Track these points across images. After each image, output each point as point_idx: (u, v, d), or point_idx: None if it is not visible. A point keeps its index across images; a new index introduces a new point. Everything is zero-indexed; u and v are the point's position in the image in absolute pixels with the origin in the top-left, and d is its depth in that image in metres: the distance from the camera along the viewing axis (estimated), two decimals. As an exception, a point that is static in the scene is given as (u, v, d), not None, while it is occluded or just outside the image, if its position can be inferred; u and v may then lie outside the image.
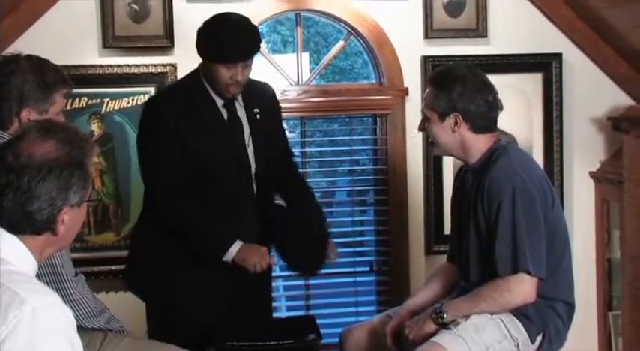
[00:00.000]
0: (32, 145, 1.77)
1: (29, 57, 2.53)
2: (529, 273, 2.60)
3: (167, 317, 3.06)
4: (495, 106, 2.79)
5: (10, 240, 1.76)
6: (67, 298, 2.37)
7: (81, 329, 1.72)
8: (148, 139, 3.01)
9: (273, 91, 3.24)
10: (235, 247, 2.91)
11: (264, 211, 3.10)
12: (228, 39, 2.90)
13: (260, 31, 3.13)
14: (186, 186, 2.95)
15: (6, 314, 1.59)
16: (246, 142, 3.06)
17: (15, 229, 1.76)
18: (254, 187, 3.08)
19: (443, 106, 2.73)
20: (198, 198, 2.96)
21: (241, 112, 3.06)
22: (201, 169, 2.97)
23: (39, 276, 1.83)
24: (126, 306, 3.23)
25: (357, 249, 4.18)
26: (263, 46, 4.00)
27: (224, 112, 3.02)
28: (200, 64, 3.01)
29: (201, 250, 2.96)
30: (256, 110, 3.09)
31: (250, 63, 2.97)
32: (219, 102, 3.01)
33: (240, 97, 3.05)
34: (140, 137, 3.06)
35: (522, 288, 2.61)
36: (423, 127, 2.85)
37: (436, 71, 3.00)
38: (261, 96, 3.15)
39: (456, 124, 2.73)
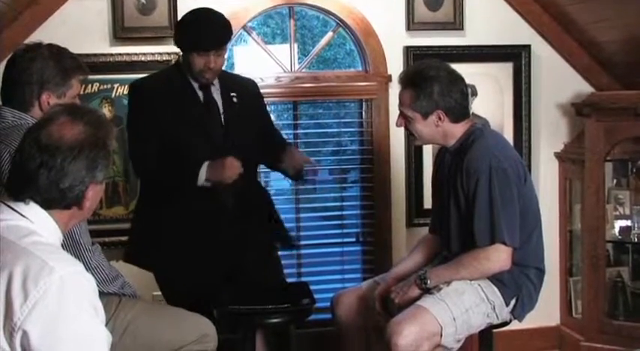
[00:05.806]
0: (62, 128, 1.75)
1: (49, 45, 2.51)
2: (505, 243, 2.61)
3: (174, 285, 3.05)
4: (468, 94, 2.77)
5: (40, 214, 1.76)
6: (85, 266, 2.33)
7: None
8: (131, 116, 3.05)
9: (254, 83, 3.27)
10: (204, 168, 2.87)
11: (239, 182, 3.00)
12: (201, 29, 2.90)
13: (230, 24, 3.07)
14: (156, 155, 2.94)
15: (36, 281, 1.59)
16: (222, 121, 3.03)
17: (48, 204, 1.75)
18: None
19: (425, 106, 2.69)
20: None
21: (217, 96, 3.04)
22: (177, 143, 2.94)
23: (61, 246, 1.82)
24: (134, 273, 3.21)
25: (344, 222, 4.17)
26: (258, 37, 3.99)
27: (200, 94, 3.01)
28: (178, 57, 3.03)
29: (180, 187, 2.95)
30: (233, 94, 3.06)
31: (223, 52, 2.96)
32: (196, 85, 3.00)
33: (217, 83, 3.04)
34: (127, 116, 3.11)
35: (499, 257, 2.63)
36: (402, 124, 2.78)
37: (410, 72, 2.81)
38: (240, 84, 3.15)
39: (439, 119, 2.71)
